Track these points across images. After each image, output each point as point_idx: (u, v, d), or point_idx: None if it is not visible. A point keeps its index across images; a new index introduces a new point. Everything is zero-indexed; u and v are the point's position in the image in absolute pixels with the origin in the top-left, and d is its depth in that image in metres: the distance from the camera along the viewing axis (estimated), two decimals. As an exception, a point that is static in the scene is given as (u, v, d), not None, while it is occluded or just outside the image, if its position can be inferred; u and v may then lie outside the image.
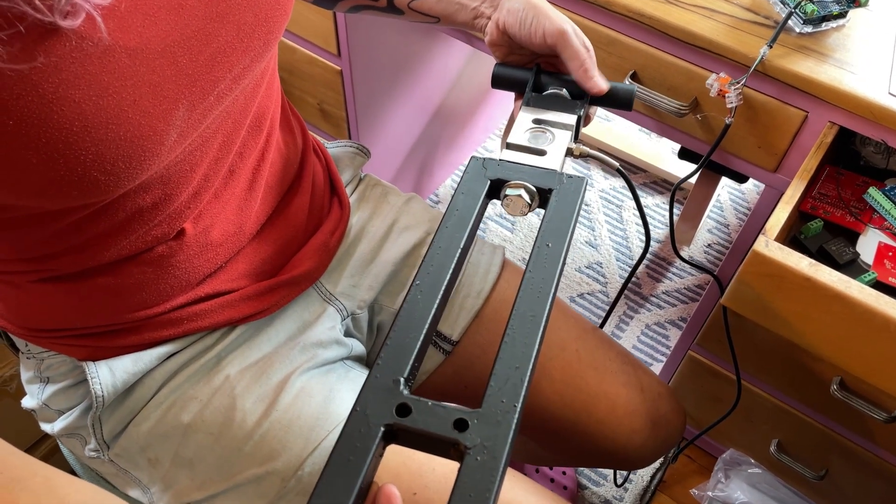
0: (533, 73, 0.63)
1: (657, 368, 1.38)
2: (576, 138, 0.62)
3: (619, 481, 1.23)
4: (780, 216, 0.64)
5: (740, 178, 1.27)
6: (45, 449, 1.10)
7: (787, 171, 0.78)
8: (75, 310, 0.56)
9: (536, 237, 0.51)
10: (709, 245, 1.58)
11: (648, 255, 1.57)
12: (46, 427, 0.63)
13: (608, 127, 1.76)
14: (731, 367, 1.01)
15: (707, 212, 1.57)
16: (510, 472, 0.61)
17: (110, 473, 0.63)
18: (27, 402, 0.64)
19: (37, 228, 0.49)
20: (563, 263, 0.51)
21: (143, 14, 0.42)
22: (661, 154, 1.70)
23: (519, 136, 0.59)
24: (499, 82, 0.65)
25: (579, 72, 0.59)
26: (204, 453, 0.58)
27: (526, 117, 0.60)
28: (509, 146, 0.58)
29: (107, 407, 0.58)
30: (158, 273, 0.56)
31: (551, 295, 0.47)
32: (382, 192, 0.76)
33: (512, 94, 0.66)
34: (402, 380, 0.42)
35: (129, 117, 0.43)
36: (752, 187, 1.69)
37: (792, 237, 0.73)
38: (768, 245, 0.61)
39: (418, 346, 0.43)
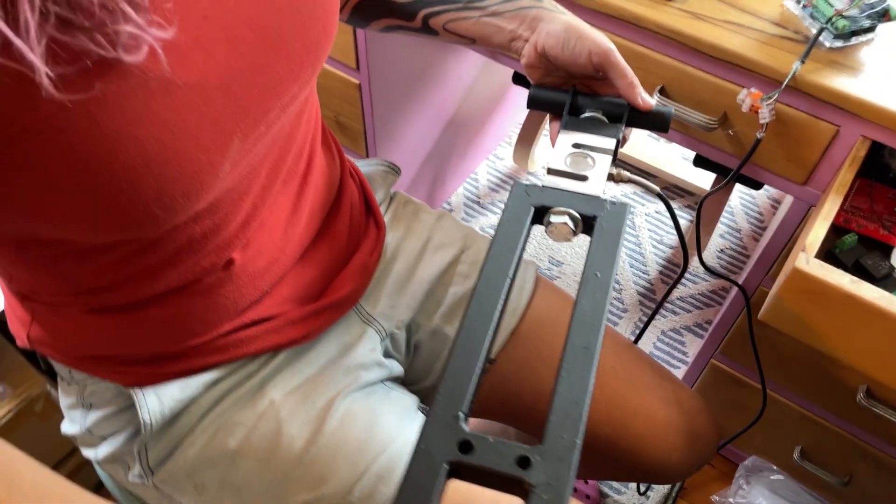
0: (570, 94, 0.63)
1: (676, 375, 1.38)
2: (614, 161, 0.62)
3: (642, 489, 1.24)
4: (818, 232, 0.64)
5: (755, 185, 1.28)
6: (70, 467, 1.09)
7: (817, 183, 0.79)
8: (123, 339, 0.56)
9: (585, 266, 0.51)
10: (721, 250, 1.59)
11: (661, 261, 1.57)
12: (89, 453, 0.63)
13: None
14: (754, 376, 1.01)
15: (718, 218, 1.57)
16: None
17: (154, 498, 0.63)
18: (68, 429, 0.63)
19: (87, 261, 0.49)
20: (611, 291, 0.51)
21: (202, 48, 0.42)
22: (672, 159, 1.70)
23: (559, 161, 0.59)
24: (536, 104, 0.64)
25: (627, 89, 0.59)
26: (252, 479, 0.58)
27: (565, 141, 0.60)
28: (550, 171, 0.58)
29: (154, 433, 0.58)
30: (207, 303, 0.56)
31: (602, 325, 0.47)
32: (414, 210, 0.76)
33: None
34: (461, 415, 0.42)
35: (189, 152, 0.43)
36: (763, 192, 1.69)
37: (826, 251, 0.73)
38: (809, 262, 0.62)
39: (475, 379, 0.44)
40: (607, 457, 0.74)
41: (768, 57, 0.73)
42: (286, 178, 0.58)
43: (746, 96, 0.73)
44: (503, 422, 0.79)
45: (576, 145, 0.60)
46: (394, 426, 0.61)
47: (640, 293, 1.52)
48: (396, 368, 0.69)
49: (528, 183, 0.55)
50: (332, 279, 0.65)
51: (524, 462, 0.39)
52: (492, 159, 1.75)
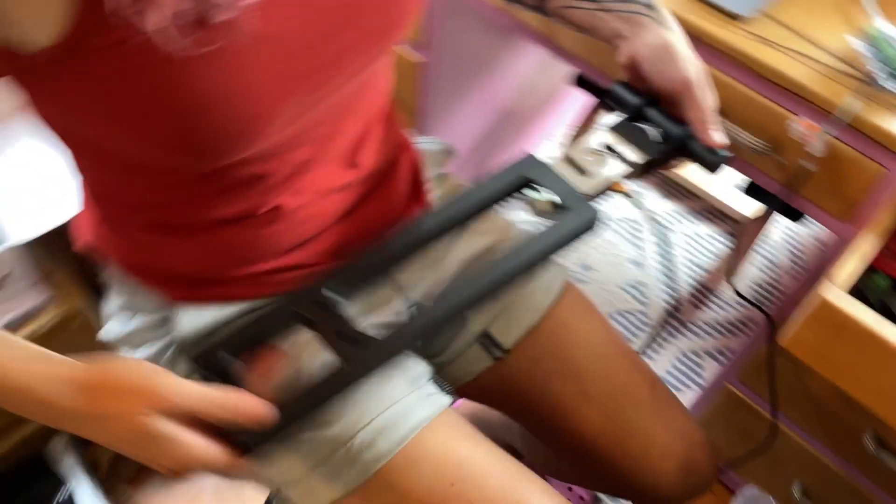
0: (642, 103, 0.65)
1: (685, 396, 1.39)
2: (639, 176, 0.64)
3: (637, 501, 1.24)
4: (850, 267, 0.65)
5: (794, 216, 1.27)
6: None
7: (858, 221, 0.79)
8: (173, 256, 0.60)
9: (524, 241, 0.58)
10: (755, 282, 1.58)
11: (693, 283, 1.57)
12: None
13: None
14: (766, 405, 1.01)
15: (757, 247, 1.57)
16: (531, 474, 0.63)
17: None
18: (107, 334, 0.67)
19: (151, 177, 0.54)
20: (524, 270, 0.58)
21: (282, 5, 0.45)
22: (717, 183, 1.69)
23: (579, 151, 0.62)
24: (613, 98, 0.67)
25: (696, 121, 0.62)
26: None
27: (601, 138, 0.62)
28: (566, 160, 0.62)
29: (187, 346, 0.62)
30: (251, 239, 0.59)
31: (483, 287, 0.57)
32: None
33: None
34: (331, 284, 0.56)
35: (249, 100, 0.46)
36: (806, 230, 1.68)
37: (853, 286, 0.73)
38: (835, 294, 0.62)
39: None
40: (599, 468, 0.75)
41: (827, 89, 0.73)
42: (344, 139, 0.61)
43: (801, 126, 0.74)
44: (506, 414, 0.81)
45: (607, 146, 0.62)
46: (403, 388, 0.64)
47: (666, 312, 1.53)
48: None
49: (537, 157, 0.60)
50: (369, 242, 0.68)
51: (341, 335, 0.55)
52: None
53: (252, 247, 0.60)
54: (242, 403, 0.49)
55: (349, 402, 0.61)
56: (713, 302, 1.55)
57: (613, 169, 0.61)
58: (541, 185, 0.59)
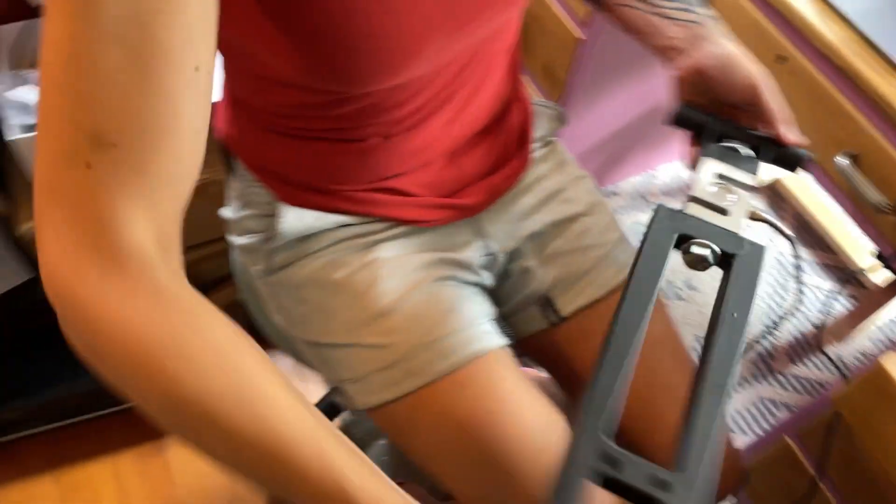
0: (719, 121, 0.63)
1: (744, 439, 1.35)
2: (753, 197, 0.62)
3: None
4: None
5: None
6: (209, 251, 1.27)
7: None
8: (289, 161, 0.68)
9: (721, 304, 0.53)
10: (864, 353, 1.49)
11: (795, 333, 1.51)
12: (231, 237, 0.77)
13: (822, 200, 1.67)
14: (813, 464, 0.98)
15: (876, 320, 1.47)
16: (565, 427, 0.65)
17: (264, 294, 0.75)
18: (225, 213, 0.77)
19: (287, 92, 0.60)
20: (745, 334, 0.52)
21: None
22: (856, 243, 1.60)
23: (703, 189, 0.60)
24: (682, 122, 0.64)
25: (774, 124, 0.60)
26: (341, 309, 0.68)
27: (709, 169, 0.61)
28: (694, 199, 0.59)
29: (284, 243, 0.70)
30: (359, 160, 0.66)
31: (736, 365, 0.49)
32: (561, 161, 0.81)
33: None
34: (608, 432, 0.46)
35: (396, 36, 0.52)
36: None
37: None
38: (893, 361, 0.61)
39: (618, 398, 0.47)
40: (621, 442, 0.76)
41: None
42: (465, 82, 0.66)
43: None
44: (554, 376, 0.84)
45: (720, 175, 0.60)
46: (469, 318, 0.68)
47: (758, 354, 1.48)
48: (487, 282, 0.76)
49: (671, 208, 0.56)
50: (466, 185, 0.73)
51: (663, 485, 0.44)
52: (677, 165, 1.73)
53: (357, 168, 0.67)
54: None
55: (414, 319, 0.67)
56: (810, 360, 1.48)
57: (743, 198, 0.59)
58: (696, 238, 0.55)
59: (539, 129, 0.79)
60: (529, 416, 0.65)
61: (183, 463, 1.26)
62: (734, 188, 0.60)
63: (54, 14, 0.37)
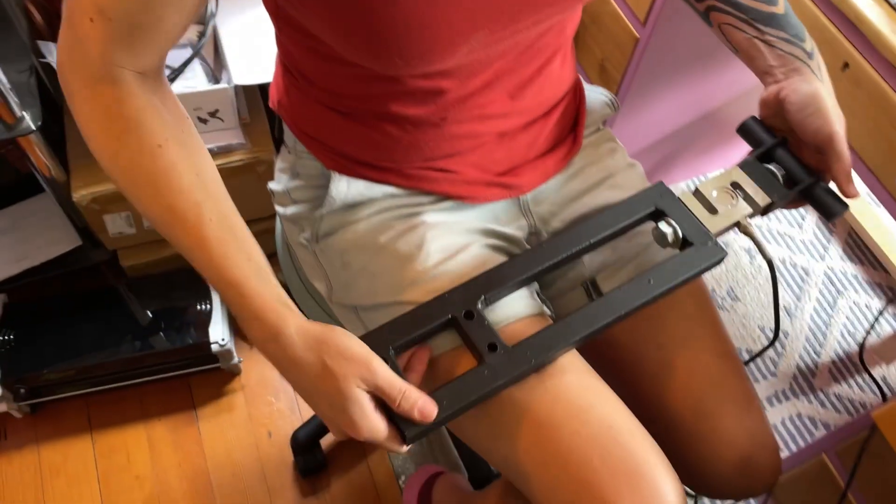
0: (774, 143, 0.66)
1: (783, 455, 1.32)
2: (762, 214, 0.65)
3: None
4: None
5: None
6: (258, 228, 1.29)
7: None
8: (342, 135, 0.69)
9: (650, 268, 0.60)
10: (911, 377, 1.44)
11: (839, 352, 1.47)
12: (279, 209, 0.78)
13: (877, 215, 1.62)
14: (845, 479, 0.96)
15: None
16: (607, 392, 0.65)
17: (307, 262, 0.76)
18: (274, 186, 0.79)
19: (337, 66, 0.62)
20: (649, 303, 0.60)
21: None
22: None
23: (709, 189, 0.64)
24: (744, 133, 0.69)
25: (840, 175, 0.62)
26: (385, 271, 0.69)
27: (729, 176, 0.64)
28: (695, 192, 0.64)
29: (332, 210, 0.71)
30: (412, 140, 0.67)
31: (613, 318, 0.59)
32: (612, 148, 0.81)
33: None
34: (483, 298, 0.60)
35: (438, 27, 0.53)
36: None
37: None
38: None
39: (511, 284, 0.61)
40: (662, 440, 0.75)
41: None
42: (515, 74, 0.66)
43: None
44: (586, 357, 0.83)
45: (734, 184, 0.64)
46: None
47: (798, 369, 1.44)
48: None
49: (667, 187, 0.62)
50: (515, 166, 0.74)
51: (492, 347, 0.58)
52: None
53: (407, 147, 0.67)
54: (419, 399, 0.55)
55: (456, 280, 0.66)
56: (853, 379, 1.44)
57: (740, 209, 0.63)
58: (669, 217, 0.62)
59: (591, 115, 0.80)
60: (574, 376, 0.63)
61: (213, 436, 1.28)
62: (740, 199, 0.63)
63: None
